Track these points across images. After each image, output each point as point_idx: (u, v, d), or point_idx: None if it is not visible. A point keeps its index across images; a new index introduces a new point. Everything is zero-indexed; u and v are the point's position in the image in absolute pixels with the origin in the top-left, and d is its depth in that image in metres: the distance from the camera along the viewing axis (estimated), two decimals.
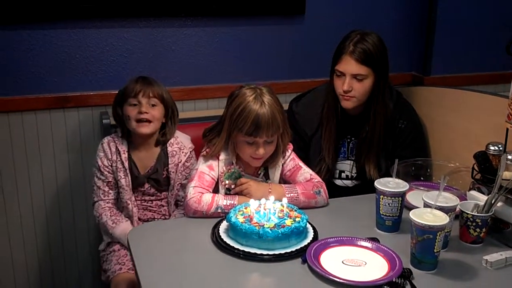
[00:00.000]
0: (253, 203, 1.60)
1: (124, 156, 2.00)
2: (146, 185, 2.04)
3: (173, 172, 2.04)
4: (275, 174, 1.89)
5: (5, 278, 2.35)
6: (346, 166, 2.14)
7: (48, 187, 2.30)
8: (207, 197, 1.72)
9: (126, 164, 1.99)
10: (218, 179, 1.83)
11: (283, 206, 1.63)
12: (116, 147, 2.01)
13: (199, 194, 1.73)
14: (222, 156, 1.84)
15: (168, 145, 2.04)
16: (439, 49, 2.56)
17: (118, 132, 2.04)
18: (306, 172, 1.88)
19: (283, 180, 1.91)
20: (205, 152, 1.84)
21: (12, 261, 2.34)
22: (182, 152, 2.06)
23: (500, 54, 2.60)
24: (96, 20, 2.18)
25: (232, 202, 1.72)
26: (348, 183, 2.15)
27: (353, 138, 2.12)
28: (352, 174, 2.13)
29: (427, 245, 1.40)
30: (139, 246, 1.57)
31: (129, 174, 2.00)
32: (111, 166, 2.00)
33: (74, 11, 2.13)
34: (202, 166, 1.82)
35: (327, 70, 2.09)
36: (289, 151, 1.91)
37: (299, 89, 2.37)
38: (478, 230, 1.55)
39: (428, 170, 1.98)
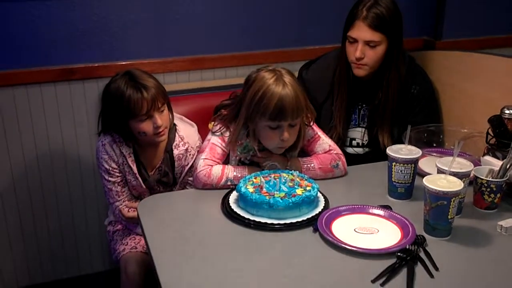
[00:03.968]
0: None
1: (131, 159, 1.88)
2: (155, 187, 1.97)
3: (179, 173, 1.96)
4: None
5: (17, 255, 2.37)
6: (357, 134, 2.10)
7: (56, 161, 2.30)
8: (217, 170, 1.70)
9: (135, 168, 1.89)
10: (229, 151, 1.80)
11: (293, 175, 1.61)
12: (120, 150, 1.87)
13: (209, 167, 1.71)
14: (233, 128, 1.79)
15: (174, 147, 1.92)
16: (450, 12, 2.50)
17: (116, 134, 1.88)
18: (325, 142, 1.83)
19: (302, 149, 1.87)
20: (219, 132, 1.77)
21: (23, 235, 2.35)
22: (189, 154, 1.94)
23: None
24: None
25: (242, 174, 1.70)
26: (359, 150, 2.12)
27: (364, 105, 2.08)
28: (363, 142, 2.10)
29: (441, 212, 1.38)
30: (149, 218, 1.56)
31: (139, 177, 1.91)
32: (119, 167, 1.89)
33: None
34: (215, 138, 1.77)
35: (337, 36, 2.04)
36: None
37: (307, 57, 2.32)
38: (492, 195, 1.53)
39: (441, 136, 1.94)
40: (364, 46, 1.92)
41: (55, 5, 2.10)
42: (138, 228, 1.89)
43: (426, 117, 2.05)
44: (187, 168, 1.94)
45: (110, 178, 1.90)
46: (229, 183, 1.69)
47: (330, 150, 1.81)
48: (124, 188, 1.93)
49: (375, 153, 2.04)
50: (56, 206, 2.36)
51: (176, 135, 1.93)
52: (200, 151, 1.78)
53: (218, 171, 1.70)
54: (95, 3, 2.15)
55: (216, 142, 1.77)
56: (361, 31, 1.91)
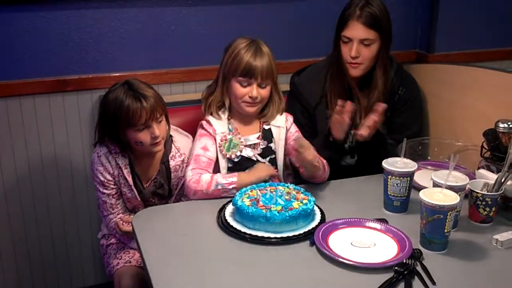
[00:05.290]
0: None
1: (127, 171, 1.87)
2: (151, 199, 1.95)
3: (175, 184, 1.95)
4: (280, 137, 1.90)
5: (8, 268, 2.34)
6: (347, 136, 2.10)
7: (49, 173, 2.28)
8: (206, 176, 1.74)
9: (130, 180, 1.87)
10: (217, 157, 1.84)
11: (289, 188, 1.61)
12: (116, 161, 1.86)
13: (198, 175, 1.74)
14: (219, 130, 1.85)
15: (170, 158, 1.91)
16: (443, 25, 2.52)
17: (112, 144, 1.86)
18: None
19: (287, 150, 1.93)
20: (204, 122, 1.88)
21: (13, 249, 2.32)
22: (186, 164, 1.91)
23: (506, 30, 2.58)
24: (93, 1, 2.13)
25: (232, 180, 1.73)
26: (351, 161, 2.12)
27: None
28: (352, 143, 2.07)
29: (437, 225, 1.38)
30: (144, 231, 1.55)
31: (134, 190, 1.89)
32: (114, 179, 1.88)
33: None
34: (197, 150, 1.84)
35: (329, 48, 2.06)
36: (290, 118, 1.96)
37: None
38: (487, 209, 1.53)
39: (435, 149, 1.95)
40: (359, 45, 1.95)
41: (49, 15, 2.10)
42: (133, 242, 1.88)
43: (409, 117, 2.10)
44: (183, 179, 1.92)
45: (104, 191, 1.88)
46: (219, 187, 1.71)
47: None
48: (119, 201, 1.92)
49: (365, 164, 2.03)
50: (48, 219, 2.33)
51: (173, 146, 1.93)
52: (186, 165, 1.83)
53: (208, 177, 1.74)
54: (89, 15, 2.14)
55: (199, 152, 1.82)
56: (356, 30, 1.94)
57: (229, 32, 2.32)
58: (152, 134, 1.78)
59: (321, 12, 2.41)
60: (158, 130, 1.79)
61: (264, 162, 1.88)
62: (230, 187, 1.71)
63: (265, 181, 1.81)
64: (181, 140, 1.97)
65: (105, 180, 1.86)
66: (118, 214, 1.91)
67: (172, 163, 1.91)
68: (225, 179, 1.73)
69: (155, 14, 2.23)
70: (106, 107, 1.80)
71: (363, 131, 1.84)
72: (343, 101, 1.86)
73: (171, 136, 1.93)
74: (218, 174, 1.78)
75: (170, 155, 1.91)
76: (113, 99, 1.76)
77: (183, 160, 1.93)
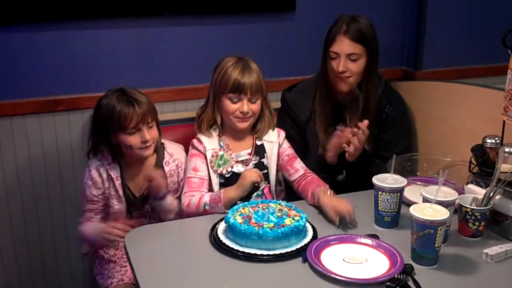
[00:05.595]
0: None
1: (118, 182, 1.87)
2: (144, 208, 1.95)
3: (172, 190, 1.95)
4: (272, 152, 1.93)
5: None
6: None
7: (39, 192, 2.27)
8: (195, 198, 1.80)
9: (120, 191, 1.88)
10: (209, 174, 1.87)
11: (281, 205, 1.62)
12: (108, 173, 1.86)
13: (189, 198, 1.81)
14: (209, 146, 1.87)
15: (164, 164, 1.93)
16: (430, 43, 2.56)
17: (105, 155, 1.88)
18: (300, 162, 1.97)
19: (280, 166, 1.96)
20: (195, 139, 1.91)
21: (3, 265, 2.30)
22: (181, 169, 1.95)
23: (491, 47, 2.62)
24: (82, 22, 2.14)
25: (217, 196, 1.76)
26: (340, 178, 2.13)
27: (342, 125, 2.10)
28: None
29: (428, 240, 1.40)
30: (137, 249, 1.55)
31: (124, 201, 1.89)
32: (103, 193, 1.88)
33: (59, 12, 2.08)
34: (189, 172, 1.88)
35: (317, 66, 2.10)
36: (282, 133, 1.98)
37: None
38: (477, 223, 1.55)
39: (425, 165, 1.98)
40: (346, 60, 1.98)
41: (38, 36, 2.11)
42: (124, 259, 1.88)
43: (395, 135, 2.13)
44: (182, 183, 1.93)
45: (88, 206, 1.90)
46: (207, 207, 1.76)
47: (306, 171, 1.95)
48: (98, 215, 1.91)
49: (355, 180, 2.05)
50: (38, 236, 2.32)
51: (165, 152, 1.95)
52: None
53: (196, 199, 1.79)
54: (78, 35, 2.15)
55: (190, 174, 1.87)
56: (343, 45, 1.97)
57: (218, 51, 2.35)
58: (142, 138, 1.81)
59: (309, 30, 2.44)
60: (149, 135, 1.82)
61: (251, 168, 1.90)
62: (218, 204, 1.75)
63: (256, 188, 1.85)
64: (173, 147, 2.00)
65: (91, 195, 1.88)
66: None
67: (166, 168, 1.93)
68: (211, 197, 1.77)
69: (144, 34, 2.24)
70: (99, 112, 1.84)
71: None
72: (343, 126, 1.92)
73: (162, 143, 1.96)
74: (207, 193, 1.81)
75: (164, 161, 1.94)
76: (105, 104, 1.81)
77: (177, 165, 1.96)
